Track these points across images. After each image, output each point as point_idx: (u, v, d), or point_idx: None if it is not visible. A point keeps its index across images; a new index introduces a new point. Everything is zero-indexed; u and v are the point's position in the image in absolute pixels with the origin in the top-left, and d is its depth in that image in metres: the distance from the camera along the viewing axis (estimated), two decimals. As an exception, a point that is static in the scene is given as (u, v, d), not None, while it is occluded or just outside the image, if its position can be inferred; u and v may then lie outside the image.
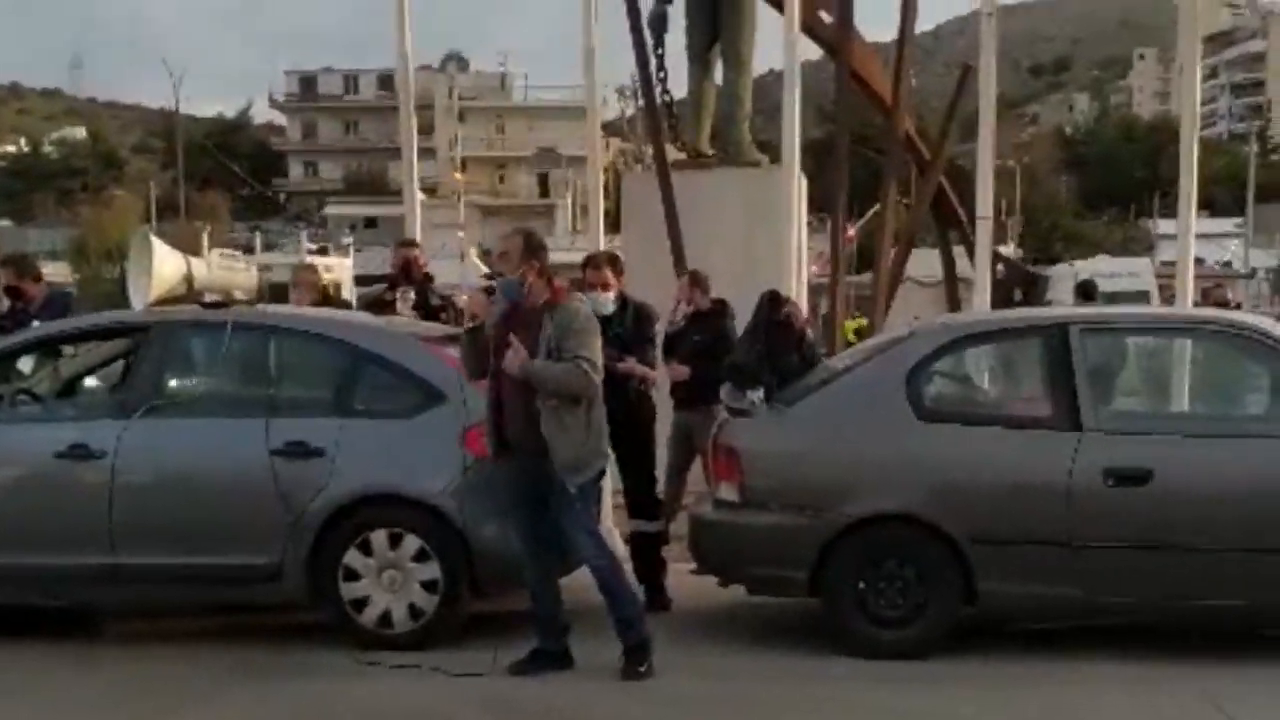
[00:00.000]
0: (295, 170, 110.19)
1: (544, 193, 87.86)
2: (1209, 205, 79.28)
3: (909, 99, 12.96)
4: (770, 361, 8.26)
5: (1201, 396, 9.12)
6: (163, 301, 9.49)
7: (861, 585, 7.53)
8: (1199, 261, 58.10)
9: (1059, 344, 7.63)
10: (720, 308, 9.55)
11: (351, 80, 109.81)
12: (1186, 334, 8.68)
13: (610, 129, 66.75)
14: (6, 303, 10.65)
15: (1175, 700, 6.78)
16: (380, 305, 10.74)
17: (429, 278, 11.18)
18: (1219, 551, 7.20)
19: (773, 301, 8.70)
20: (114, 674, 7.47)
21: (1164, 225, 61.65)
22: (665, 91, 13.38)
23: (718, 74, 13.48)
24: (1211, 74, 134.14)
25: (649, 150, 13.23)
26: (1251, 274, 53.20)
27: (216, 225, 68.03)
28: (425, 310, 10.60)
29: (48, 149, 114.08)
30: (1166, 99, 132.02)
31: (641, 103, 13.68)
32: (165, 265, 9.48)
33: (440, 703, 6.91)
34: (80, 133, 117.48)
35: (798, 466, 7.75)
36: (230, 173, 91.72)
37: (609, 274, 8.77)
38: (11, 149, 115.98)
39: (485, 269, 59.95)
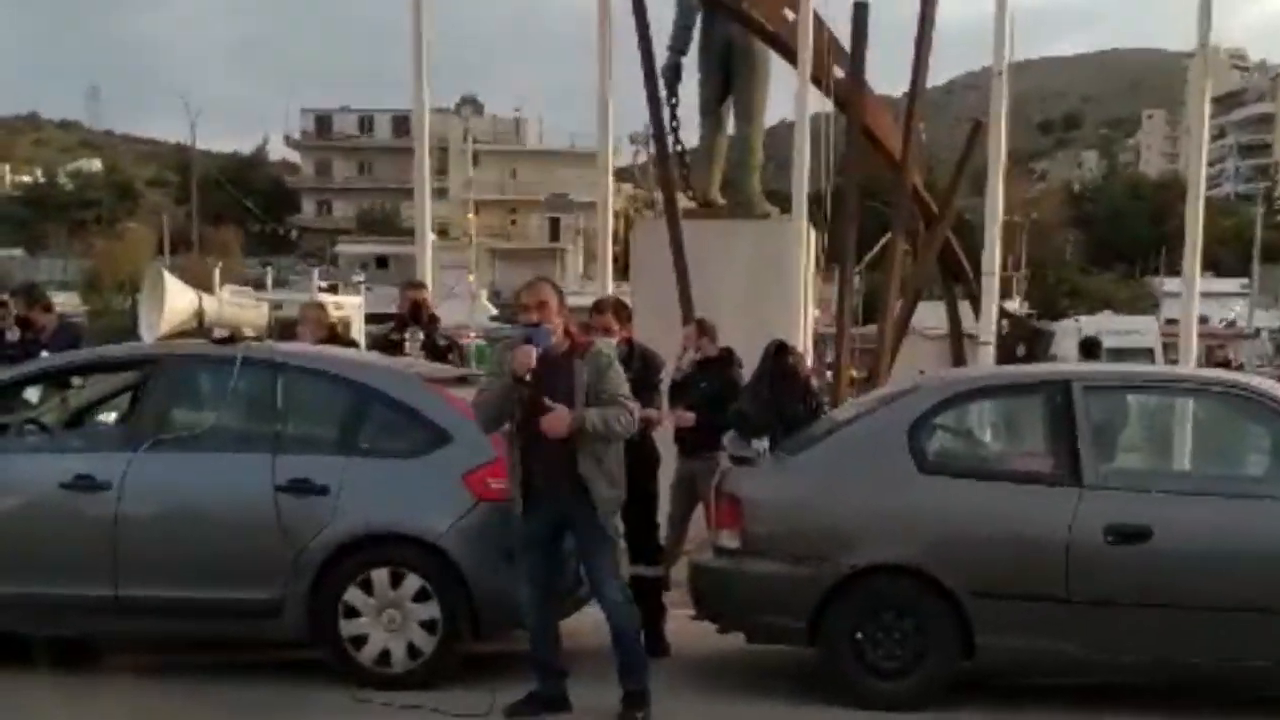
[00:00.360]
0: (308, 208, 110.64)
1: (554, 236, 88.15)
2: (1214, 265, 79.41)
3: (918, 154, 13.02)
4: (776, 410, 8.32)
5: (1203, 456, 9.14)
6: (173, 335, 9.57)
7: (859, 635, 7.54)
8: (1203, 320, 58.27)
9: (1062, 400, 7.66)
10: (727, 355, 9.63)
11: (367, 120, 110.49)
12: (1189, 394, 8.68)
13: (622, 175, 67.07)
14: (17, 332, 10.71)
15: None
16: (388, 345, 10.82)
17: (435, 319, 11.25)
18: (1219, 611, 7.21)
19: (779, 351, 8.78)
20: (112, 708, 7.48)
21: (1169, 283, 61.79)
22: (677, 141, 13.49)
23: (730, 125, 13.59)
24: (1219, 134, 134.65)
25: (660, 197, 13.26)
26: (1255, 334, 53.24)
27: (229, 260, 68.21)
28: (432, 351, 10.67)
29: (63, 180, 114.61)
30: (1174, 158, 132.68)
31: (654, 150, 13.75)
32: (177, 300, 9.57)
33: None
34: (96, 164, 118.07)
35: (799, 515, 7.77)
36: (243, 208, 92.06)
37: (612, 319, 8.84)
38: (27, 179, 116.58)
39: (494, 310, 60.20)
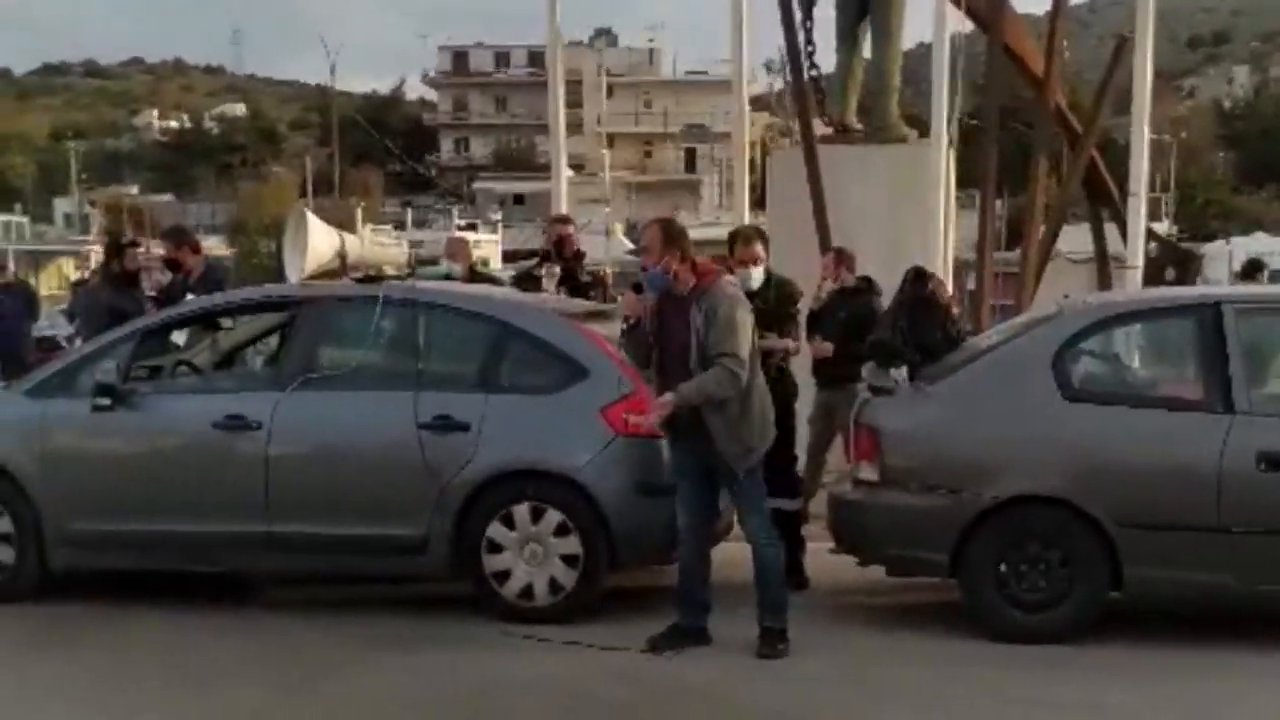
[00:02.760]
0: (446, 146, 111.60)
1: (690, 168, 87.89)
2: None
3: (1061, 73, 12.72)
4: (914, 339, 8.20)
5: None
6: (317, 276, 9.72)
7: (1003, 568, 7.44)
8: (1366, 237, 55.93)
9: (1212, 324, 7.46)
10: (866, 285, 9.52)
11: (503, 56, 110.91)
12: None
13: (758, 104, 66.51)
14: (167, 274, 10.95)
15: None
16: (529, 280, 10.88)
17: (580, 255, 11.29)
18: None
19: (917, 278, 8.63)
20: (260, 640, 7.69)
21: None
22: (813, 66, 13.29)
23: (866, 48, 13.38)
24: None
25: (796, 125, 13.15)
26: None
27: (370, 201, 69.25)
28: (574, 287, 10.71)
29: (209, 124, 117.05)
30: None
31: (789, 77, 13.60)
32: (320, 240, 9.71)
33: (579, 675, 6.99)
34: (240, 109, 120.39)
35: (939, 446, 7.69)
36: (383, 149, 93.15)
37: (759, 248, 8.73)
38: (174, 124, 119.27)
39: (630, 244, 60.27)
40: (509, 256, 55.55)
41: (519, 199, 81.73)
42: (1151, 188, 70.08)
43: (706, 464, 7.32)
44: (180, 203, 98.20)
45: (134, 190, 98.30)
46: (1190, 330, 7.69)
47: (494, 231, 49.09)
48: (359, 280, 8.93)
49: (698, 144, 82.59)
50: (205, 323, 9.41)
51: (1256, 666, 7.03)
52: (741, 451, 7.19)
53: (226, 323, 9.55)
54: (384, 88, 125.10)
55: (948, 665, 7.12)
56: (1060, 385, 7.54)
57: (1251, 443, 7.14)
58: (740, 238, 8.84)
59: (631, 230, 73.19)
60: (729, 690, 6.82)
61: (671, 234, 7.30)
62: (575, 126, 73.20)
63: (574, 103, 69.22)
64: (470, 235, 42.52)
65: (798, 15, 13.07)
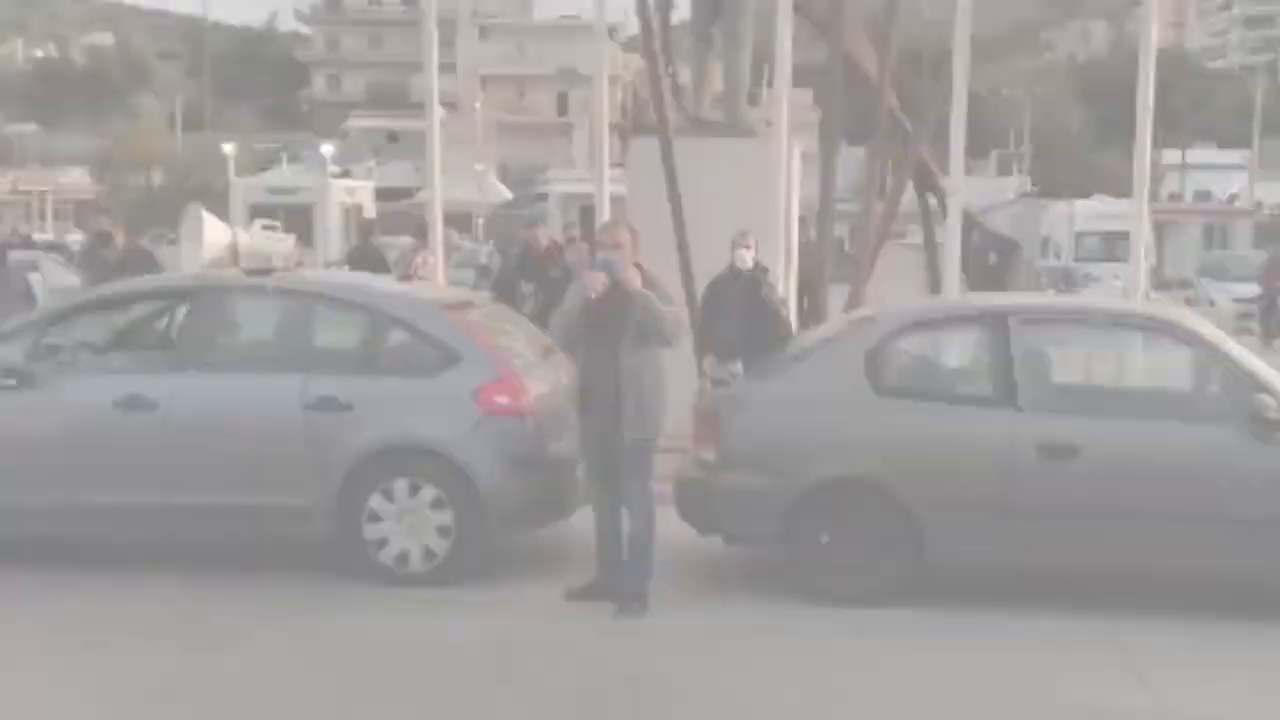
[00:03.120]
0: (319, 82, 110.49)
1: (562, 112, 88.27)
2: (1217, 138, 79.07)
3: (893, 76, 13.76)
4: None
5: (1130, 378, 10.07)
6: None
7: (824, 540, 8.47)
8: (1207, 195, 58.11)
9: (1000, 331, 8.54)
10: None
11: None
12: (1113, 326, 9.53)
13: (630, 45, 66.98)
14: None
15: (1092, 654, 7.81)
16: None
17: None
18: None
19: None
20: (168, 606, 8.38)
21: (1168, 155, 61.68)
22: (670, 63, 14.21)
23: (720, 47, 14.26)
24: (1226, 5, 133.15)
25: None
26: (1257, 207, 53.32)
27: (241, 138, 68.66)
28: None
29: (75, 54, 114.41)
30: (1180, 29, 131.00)
31: (647, 76, 14.48)
32: (214, 235, 10.44)
33: (448, 635, 7.92)
34: (108, 39, 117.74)
35: (770, 433, 8.68)
36: (255, 83, 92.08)
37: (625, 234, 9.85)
38: (40, 54, 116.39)
39: (504, 189, 60.49)
40: (383, 195, 55.73)
41: (393, 136, 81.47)
42: (1008, 142, 71.37)
43: (607, 437, 8.28)
44: (45, 133, 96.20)
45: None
46: (983, 336, 8.82)
47: (368, 178, 49.25)
48: (250, 271, 9.67)
49: (571, 87, 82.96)
50: (109, 309, 10.09)
51: (1038, 631, 8.08)
52: (638, 420, 8.21)
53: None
54: (256, 22, 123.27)
55: (776, 626, 8.12)
56: (872, 382, 8.61)
57: (1032, 435, 8.24)
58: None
59: (504, 172, 73.62)
60: (586, 648, 7.74)
61: (636, 239, 8.40)
62: (448, 66, 73.14)
63: (447, 42, 69.23)
64: (345, 182, 42.79)
65: (655, 18, 13.97)
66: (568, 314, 8.38)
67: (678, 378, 8.89)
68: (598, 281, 8.13)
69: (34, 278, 16.58)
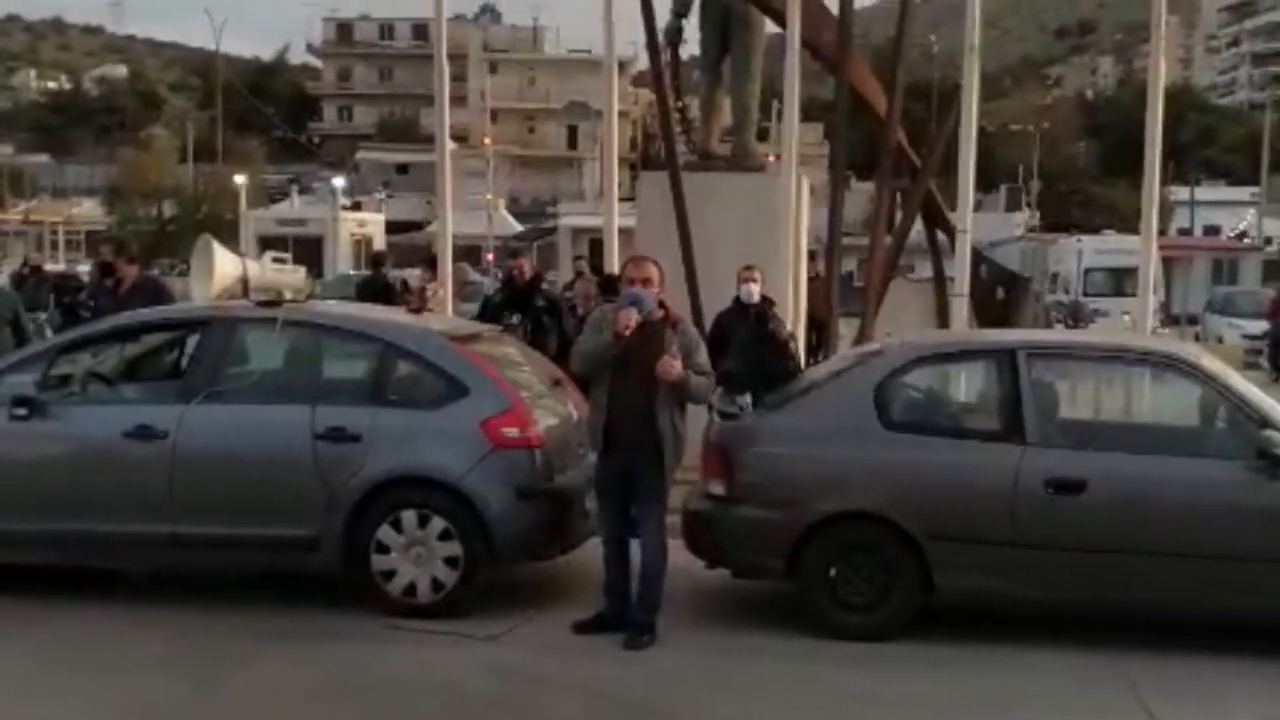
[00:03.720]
0: (330, 114, 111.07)
1: (572, 144, 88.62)
2: (1226, 174, 79.15)
3: (900, 113, 13.85)
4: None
5: (1137, 414, 10.10)
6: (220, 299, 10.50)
7: (832, 573, 8.47)
8: (1215, 231, 58.15)
9: (1008, 366, 8.57)
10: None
11: (387, 28, 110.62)
12: (1121, 362, 9.55)
13: (640, 80, 67.38)
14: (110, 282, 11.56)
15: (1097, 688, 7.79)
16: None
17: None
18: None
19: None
20: (174, 634, 8.43)
21: (1177, 191, 61.70)
22: (679, 98, 14.33)
23: (728, 83, 14.38)
24: (1233, 42, 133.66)
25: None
26: (1267, 243, 53.30)
27: (252, 169, 69.00)
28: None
29: (88, 86, 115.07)
30: (1189, 64, 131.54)
31: (657, 110, 14.61)
32: (224, 266, 10.51)
33: (456, 668, 7.91)
34: (120, 70, 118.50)
35: (778, 466, 8.68)
36: (266, 115, 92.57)
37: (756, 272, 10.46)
38: (53, 85, 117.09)
39: (514, 221, 60.77)
40: (392, 228, 55.98)
41: (402, 169, 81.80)
42: (1015, 176, 71.52)
43: (628, 474, 8.32)
44: (57, 164, 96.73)
45: (9, 150, 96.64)
46: (990, 370, 8.85)
47: (378, 210, 49.53)
48: (260, 303, 9.72)
49: (580, 121, 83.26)
50: (119, 339, 10.13)
51: (1046, 663, 8.10)
52: (675, 458, 8.30)
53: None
54: (268, 54, 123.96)
55: (784, 659, 8.13)
56: (880, 415, 8.62)
57: (1040, 469, 8.24)
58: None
59: (514, 205, 73.93)
60: (594, 681, 7.75)
61: (662, 274, 8.52)
62: (459, 100, 73.55)
63: (458, 76, 69.64)
64: (355, 215, 42.99)
65: (665, 54, 14.09)
66: (598, 351, 8.34)
67: (688, 410, 8.92)
68: (629, 318, 8.13)
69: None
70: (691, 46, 14.88)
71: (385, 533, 8.78)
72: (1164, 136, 12.62)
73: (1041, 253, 40.44)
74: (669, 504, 8.56)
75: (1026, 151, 71.18)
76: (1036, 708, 7.42)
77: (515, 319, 12.55)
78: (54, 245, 68.61)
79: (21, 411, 9.13)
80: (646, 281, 8.33)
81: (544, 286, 13.73)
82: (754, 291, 10.96)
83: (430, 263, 14.95)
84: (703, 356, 8.42)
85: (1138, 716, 7.27)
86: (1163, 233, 31.87)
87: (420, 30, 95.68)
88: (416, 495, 8.84)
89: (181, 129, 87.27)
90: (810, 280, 14.21)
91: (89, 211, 78.73)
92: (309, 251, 40.95)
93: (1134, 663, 8.05)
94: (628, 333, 8.11)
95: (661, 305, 8.38)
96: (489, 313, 13.34)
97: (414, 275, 16.58)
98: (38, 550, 9.17)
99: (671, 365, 8.10)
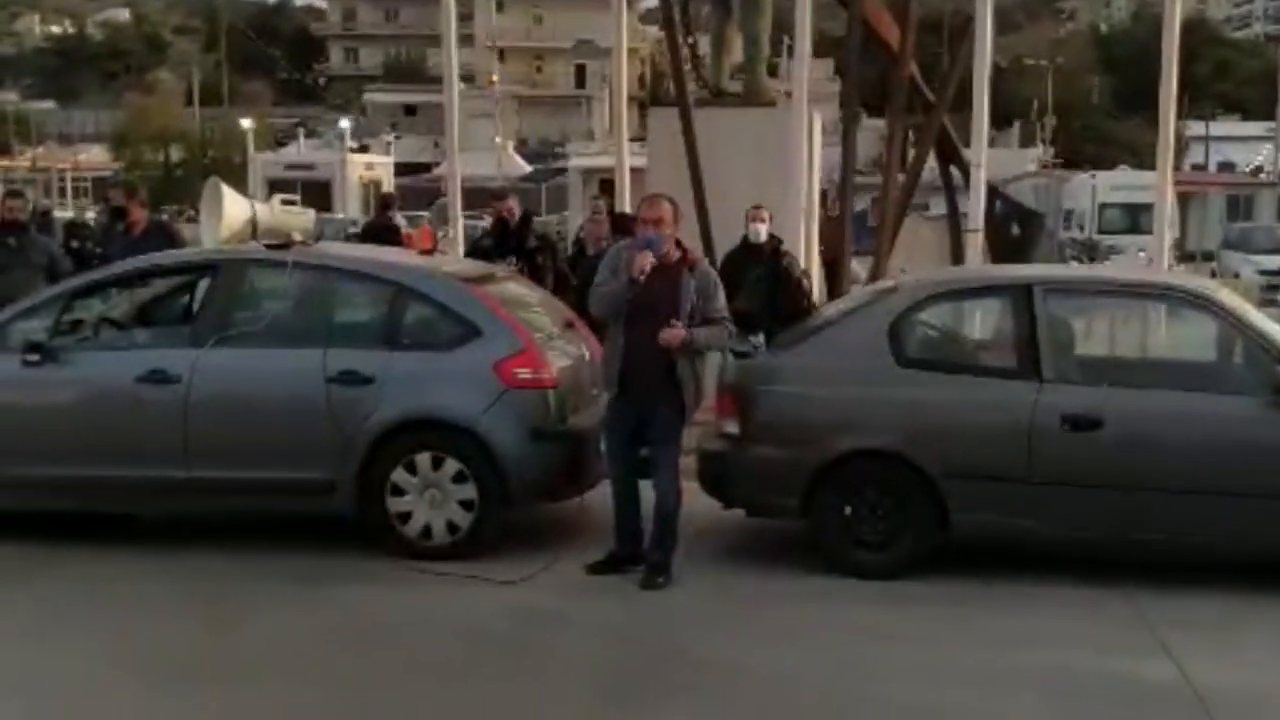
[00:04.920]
0: (335, 55, 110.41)
1: (580, 84, 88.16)
2: (1241, 109, 78.45)
3: (913, 48, 13.70)
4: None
5: (1153, 350, 10.05)
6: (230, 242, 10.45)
7: (847, 511, 8.46)
8: (1230, 167, 57.60)
9: (1024, 302, 8.49)
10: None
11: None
12: (1137, 298, 9.46)
13: (649, 18, 66.91)
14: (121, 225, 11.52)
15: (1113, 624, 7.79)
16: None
17: (526, 219, 12.54)
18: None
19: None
20: (189, 580, 8.46)
21: (1192, 127, 61.14)
22: (689, 34, 14.19)
23: (738, 17, 14.24)
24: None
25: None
26: (1280, 180, 52.79)
27: (258, 113, 68.77)
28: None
29: (92, 31, 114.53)
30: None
31: (666, 47, 14.49)
32: (233, 210, 10.44)
33: (473, 609, 7.93)
34: (124, 14, 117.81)
35: (791, 405, 8.66)
36: (271, 58, 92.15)
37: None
38: (57, 30, 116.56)
39: (523, 163, 60.56)
40: (401, 170, 55.76)
41: (410, 110, 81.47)
42: (1029, 113, 70.92)
43: (640, 417, 8.30)
44: (63, 110, 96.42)
45: (14, 97, 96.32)
46: (1006, 307, 8.78)
47: (386, 152, 49.33)
48: (270, 246, 9.67)
49: (588, 60, 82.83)
50: (130, 284, 10.09)
51: (1062, 599, 8.11)
52: (694, 402, 8.28)
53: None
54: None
55: (800, 598, 8.13)
56: (894, 353, 8.57)
57: (1057, 406, 8.20)
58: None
59: (523, 146, 73.59)
60: (611, 621, 7.77)
61: (677, 213, 8.40)
62: (466, 39, 73.09)
63: (464, 15, 69.20)
64: (362, 157, 42.85)
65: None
66: (614, 293, 8.25)
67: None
68: (645, 261, 8.05)
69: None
70: (702, -18, 14.71)
71: (400, 475, 8.78)
72: (1179, 71, 12.41)
73: (1056, 189, 40.18)
74: (683, 445, 8.52)
75: (1040, 87, 70.63)
76: (1052, 644, 7.39)
77: (511, 261, 12.36)
78: (61, 192, 68.52)
79: (34, 357, 9.12)
80: (659, 222, 8.23)
81: (534, 225, 13.47)
82: (761, 231, 10.91)
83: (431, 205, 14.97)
84: (720, 301, 8.33)
85: (1154, 652, 7.25)
86: (1178, 168, 31.70)
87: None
88: (431, 438, 8.83)
89: (187, 73, 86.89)
90: (822, 219, 14.12)
91: (96, 157, 78.58)
92: (318, 195, 40.76)
93: (1150, 600, 8.04)
94: (642, 278, 8.04)
95: (680, 245, 8.30)
96: (479, 256, 13.13)
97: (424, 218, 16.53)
98: (51, 496, 9.18)
99: (674, 335, 8.05)
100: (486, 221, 15.00)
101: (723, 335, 8.38)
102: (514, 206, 13.28)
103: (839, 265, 13.33)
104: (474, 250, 13.43)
